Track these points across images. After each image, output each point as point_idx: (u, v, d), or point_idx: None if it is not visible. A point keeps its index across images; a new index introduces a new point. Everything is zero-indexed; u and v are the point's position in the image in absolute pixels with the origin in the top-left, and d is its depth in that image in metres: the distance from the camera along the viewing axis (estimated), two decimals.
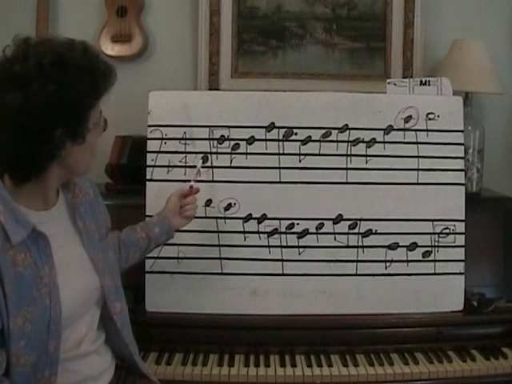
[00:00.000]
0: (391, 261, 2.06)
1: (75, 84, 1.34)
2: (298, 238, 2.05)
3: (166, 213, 1.90)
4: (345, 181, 2.07)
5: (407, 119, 2.10)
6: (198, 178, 1.97)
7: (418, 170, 2.09)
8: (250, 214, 2.06)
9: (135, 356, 1.65)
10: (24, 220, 1.37)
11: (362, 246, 2.06)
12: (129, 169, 2.28)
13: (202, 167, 2.01)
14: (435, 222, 2.07)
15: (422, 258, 2.07)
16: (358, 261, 2.05)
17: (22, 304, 1.35)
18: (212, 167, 2.07)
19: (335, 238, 2.06)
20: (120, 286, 1.64)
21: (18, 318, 1.34)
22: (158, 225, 1.87)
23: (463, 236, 2.08)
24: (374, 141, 2.09)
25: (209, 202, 2.05)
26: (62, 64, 1.34)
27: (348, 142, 2.08)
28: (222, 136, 2.08)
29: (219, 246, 2.04)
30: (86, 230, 1.55)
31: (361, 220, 2.06)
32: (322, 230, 2.06)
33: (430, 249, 2.07)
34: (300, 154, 2.07)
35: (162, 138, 2.07)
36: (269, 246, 2.05)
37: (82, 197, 1.58)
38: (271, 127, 2.08)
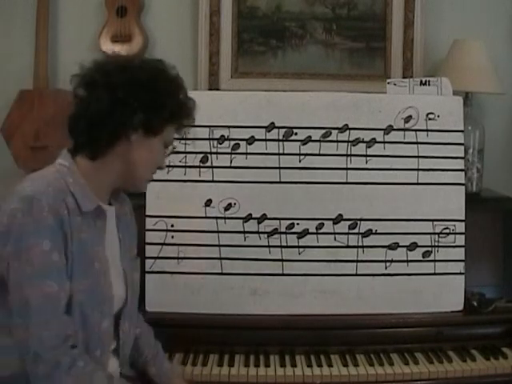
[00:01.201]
0: (391, 261, 2.06)
1: (161, 81, 1.51)
2: (298, 238, 2.05)
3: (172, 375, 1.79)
4: (345, 181, 2.07)
5: (407, 119, 2.10)
6: None
7: (417, 169, 2.09)
8: (250, 214, 2.05)
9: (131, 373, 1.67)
10: (90, 195, 1.47)
11: (362, 246, 2.06)
12: None
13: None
14: (435, 222, 2.07)
15: (422, 258, 2.07)
16: (357, 261, 2.05)
17: (81, 273, 1.42)
18: (212, 167, 2.07)
19: (335, 238, 2.06)
20: (137, 308, 1.68)
21: (79, 284, 1.41)
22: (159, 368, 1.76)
23: (463, 236, 2.08)
24: (374, 141, 2.09)
25: (209, 202, 2.05)
26: (165, 74, 1.53)
27: (348, 142, 2.08)
28: (222, 136, 2.08)
29: (219, 246, 2.04)
30: (124, 243, 1.61)
31: (361, 220, 2.06)
32: (321, 230, 2.06)
33: (430, 249, 2.07)
34: (300, 154, 2.07)
35: None
36: (269, 246, 2.05)
37: (126, 212, 1.65)
38: (271, 127, 2.08)
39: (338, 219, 2.06)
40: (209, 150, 2.07)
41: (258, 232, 2.05)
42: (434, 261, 2.07)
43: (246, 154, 2.08)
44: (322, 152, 2.08)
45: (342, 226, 2.06)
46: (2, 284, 1.38)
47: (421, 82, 2.17)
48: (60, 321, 1.37)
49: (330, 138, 2.08)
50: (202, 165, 2.07)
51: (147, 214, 2.03)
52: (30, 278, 1.35)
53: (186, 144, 2.07)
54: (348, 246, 2.06)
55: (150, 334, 1.76)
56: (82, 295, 1.41)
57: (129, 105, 1.45)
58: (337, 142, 2.08)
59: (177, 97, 1.53)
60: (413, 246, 2.07)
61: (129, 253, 1.64)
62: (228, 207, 2.06)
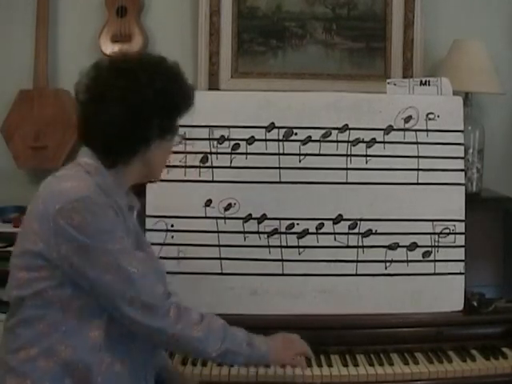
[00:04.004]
0: (391, 261, 2.06)
1: (173, 85, 1.51)
2: (298, 238, 2.05)
3: None
4: (345, 181, 2.07)
5: (407, 119, 2.10)
6: None
7: (417, 170, 2.09)
8: (250, 214, 2.05)
9: None
10: (120, 193, 1.53)
11: (362, 246, 2.06)
12: None
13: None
14: (435, 222, 2.07)
15: (422, 258, 2.07)
16: (357, 261, 2.05)
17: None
18: (212, 167, 2.07)
19: (335, 238, 2.06)
20: None
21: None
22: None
23: (463, 236, 2.08)
24: (373, 141, 2.09)
25: (209, 202, 2.05)
26: (166, 67, 1.52)
27: (348, 142, 2.08)
28: (222, 136, 2.08)
29: (219, 246, 2.04)
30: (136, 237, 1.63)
31: (361, 220, 2.06)
32: (322, 230, 2.06)
33: (430, 249, 2.07)
34: (300, 154, 2.07)
35: None
36: (269, 246, 2.05)
37: (135, 211, 1.66)
38: (271, 127, 2.08)
39: (338, 219, 2.06)
40: (209, 150, 2.07)
41: (257, 232, 2.05)
42: (434, 261, 2.07)
43: (246, 154, 2.08)
44: (322, 152, 2.08)
45: (342, 226, 2.06)
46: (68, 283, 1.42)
47: (421, 82, 2.17)
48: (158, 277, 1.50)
49: (330, 138, 2.08)
50: (201, 165, 2.07)
51: (147, 214, 2.03)
52: (120, 254, 1.42)
53: (186, 144, 2.07)
54: (348, 246, 2.06)
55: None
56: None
57: (144, 117, 1.47)
58: (337, 142, 2.08)
59: (183, 89, 1.55)
60: (413, 246, 2.07)
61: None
62: (228, 207, 2.06)
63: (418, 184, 2.09)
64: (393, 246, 2.06)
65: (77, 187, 1.42)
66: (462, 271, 2.07)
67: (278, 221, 2.05)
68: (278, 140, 2.08)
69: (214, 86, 2.57)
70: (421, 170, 2.09)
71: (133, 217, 1.60)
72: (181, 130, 1.62)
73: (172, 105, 1.52)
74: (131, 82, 1.46)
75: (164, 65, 1.53)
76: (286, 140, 2.08)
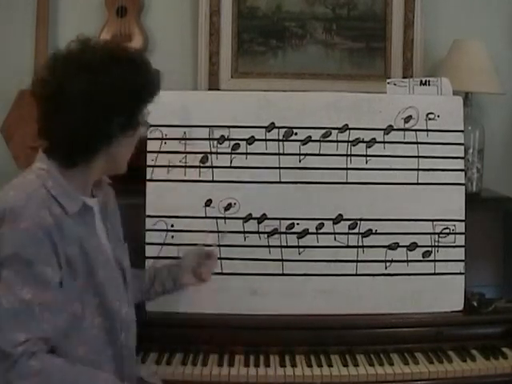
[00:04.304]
0: (391, 261, 2.06)
1: (134, 78, 1.46)
2: (298, 238, 2.05)
3: (180, 265, 1.89)
4: (345, 181, 2.07)
5: (407, 119, 2.10)
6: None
7: (417, 170, 2.09)
8: (250, 214, 2.05)
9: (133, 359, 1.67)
10: (74, 195, 1.46)
11: (362, 246, 2.06)
12: (129, 169, 2.28)
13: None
14: (435, 222, 2.07)
15: (422, 258, 2.07)
16: (357, 261, 2.05)
17: (92, 267, 1.46)
18: (212, 167, 2.07)
19: (335, 238, 2.06)
20: (133, 295, 1.70)
21: (91, 278, 1.45)
22: (167, 267, 1.89)
23: (463, 236, 2.08)
24: (373, 141, 2.09)
25: (209, 202, 2.05)
26: (127, 59, 1.46)
27: (348, 142, 2.08)
28: (222, 136, 2.08)
29: (219, 246, 2.04)
30: (112, 229, 1.62)
31: (361, 220, 2.06)
32: (322, 230, 2.06)
33: (430, 249, 2.07)
34: (300, 154, 2.07)
35: (161, 138, 2.07)
36: (269, 246, 2.05)
37: (108, 199, 1.64)
38: (271, 127, 2.08)
39: (338, 219, 2.06)
40: (209, 150, 2.07)
41: (258, 232, 2.05)
42: (434, 261, 2.07)
43: (246, 154, 2.07)
44: (322, 152, 2.08)
45: (342, 226, 2.06)
46: None
47: (421, 82, 2.17)
48: (28, 325, 1.35)
49: (330, 138, 2.08)
50: (201, 165, 2.06)
51: (147, 214, 2.03)
52: (9, 283, 1.34)
53: (186, 144, 2.07)
54: (348, 246, 2.06)
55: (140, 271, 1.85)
56: (102, 287, 1.46)
57: (104, 115, 1.42)
58: (337, 142, 2.08)
59: (146, 80, 1.50)
60: (413, 246, 2.07)
61: (118, 239, 1.65)
62: (228, 207, 2.06)
63: (418, 184, 2.09)
64: (393, 246, 2.06)
65: (11, 197, 1.39)
66: (462, 271, 2.07)
67: (278, 221, 2.05)
68: (278, 140, 2.08)
69: (214, 86, 2.57)
70: (421, 169, 2.09)
71: (90, 216, 1.52)
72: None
73: (134, 99, 1.47)
74: (89, 78, 1.40)
75: (124, 56, 1.47)
76: (286, 140, 2.08)
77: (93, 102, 1.40)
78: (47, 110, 1.44)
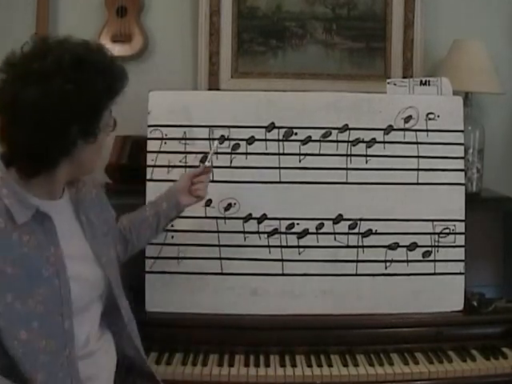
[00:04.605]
0: (391, 261, 2.06)
1: (92, 84, 1.37)
2: (298, 237, 2.05)
3: (175, 189, 1.89)
4: (345, 181, 2.07)
5: (407, 119, 2.10)
6: (210, 164, 1.92)
7: (417, 170, 2.09)
8: (250, 214, 2.06)
9: (141, 352, 1.66)
10: (27, 202, 1.39)
11: (362, 246, 2.06)
12: (129, 169, 2.28)
13: (216, 153, 1.99)
14: (435, 222, 2.07)
15: (422, 258, 2.07)
16: (358, 261, 2.05)
17: (32, 286, 1.36)
18: (212, 167, 2.06)
19: (335, 238, 2.06)
20: (120, 283, 1.65)
21: (30, 300, 1.35)
22: (164, 199, 1.88)
23: (463, 236, 2.08)
24: (374, 141, 2.09)
25: (209, 202, 2.05)
26: (80, 63, 1.36)
27: (348, 142, 2.08)
28: (222, 136, 2.08)
29: (219, 246, 2.04)
30: (90, 224, 1.56)
31: (361, 220, 2.06)
32: (322, 230, 2.06)
33: (430, 249, 2.07)
34: (300, 154, 2.07)
35: (161, 138, 2.07)
36: (269, 246, 2.05)
37: (86, 192, 1.59)
38: (271, 127, 2.08)
39: (338, 219, 2.06)
40: (209, 150, 2.07)
41: (258, 232, 2.05)
42: (434, 261, 2.07)
43: (246, 154, 2.08)
44: (321, 152, 2.08)
45: (342, 226, 2.06)
46: None
47: (421, 81, 2.17)
48: None
49: (330, 138, 2.08)
50: (202, 165, 2.06)
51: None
52: None
53: (186, 144, 2.07)
54: (348, 246, 2.06)
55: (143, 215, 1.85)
56: (41, 304, 1.37)
57: (61, 127, 1.35)
58: (337, 142, 2.08)
59: (106, 83, 1.40)
60: (413, 246, 2.07)
61: (99, 230, 1.59)
62: (228, 207, 2.06)
63: (417, 184, 2.09)
64: (393, 246, 2.06)
65: None
66: (462, 271, 2.07)
67: (277, 221, 2.05)
68: (278, 140, 2.08)
69: (214, 85, 2.57)
70: (421, 169, 2.09)
71: (48, 221, 1.42)
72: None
73: (92, 107, 1.39)
74: (42, 87, 1.32)
75: (83, 59, 1.37)
76: (286, 140, 2.08)
77: (47, 113, 1.32)
78: (6, 120, 1.37)
